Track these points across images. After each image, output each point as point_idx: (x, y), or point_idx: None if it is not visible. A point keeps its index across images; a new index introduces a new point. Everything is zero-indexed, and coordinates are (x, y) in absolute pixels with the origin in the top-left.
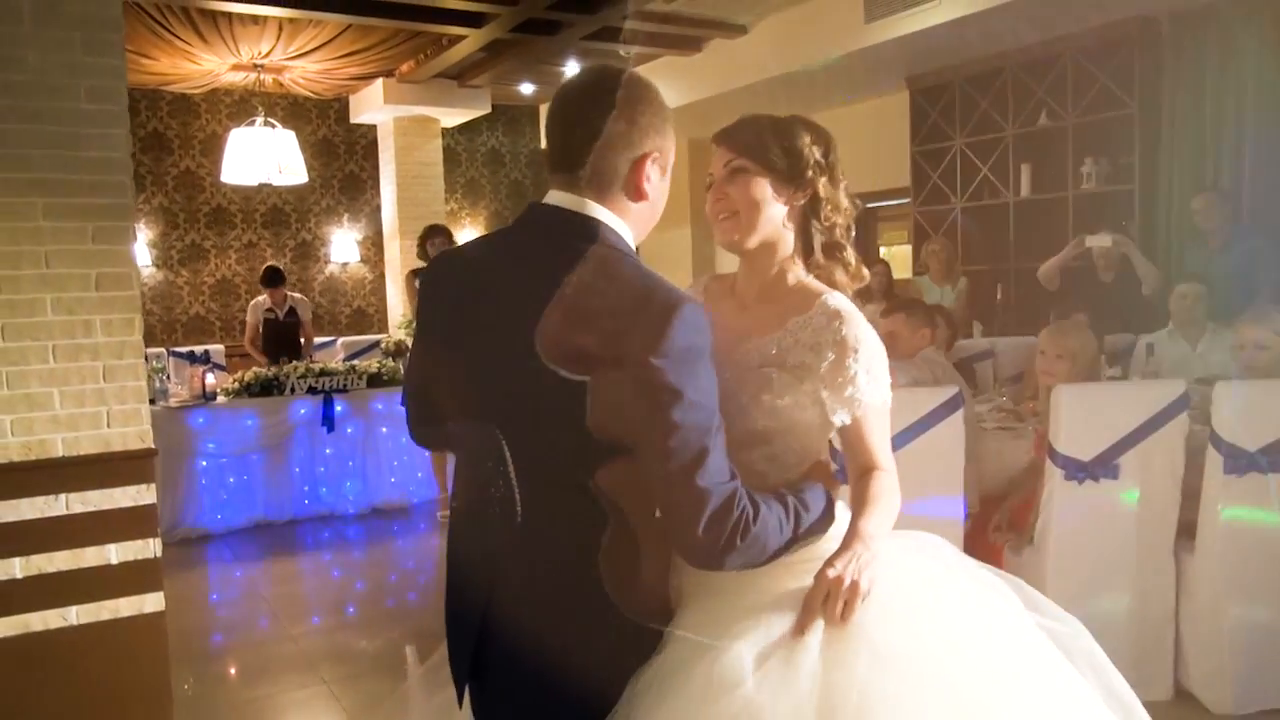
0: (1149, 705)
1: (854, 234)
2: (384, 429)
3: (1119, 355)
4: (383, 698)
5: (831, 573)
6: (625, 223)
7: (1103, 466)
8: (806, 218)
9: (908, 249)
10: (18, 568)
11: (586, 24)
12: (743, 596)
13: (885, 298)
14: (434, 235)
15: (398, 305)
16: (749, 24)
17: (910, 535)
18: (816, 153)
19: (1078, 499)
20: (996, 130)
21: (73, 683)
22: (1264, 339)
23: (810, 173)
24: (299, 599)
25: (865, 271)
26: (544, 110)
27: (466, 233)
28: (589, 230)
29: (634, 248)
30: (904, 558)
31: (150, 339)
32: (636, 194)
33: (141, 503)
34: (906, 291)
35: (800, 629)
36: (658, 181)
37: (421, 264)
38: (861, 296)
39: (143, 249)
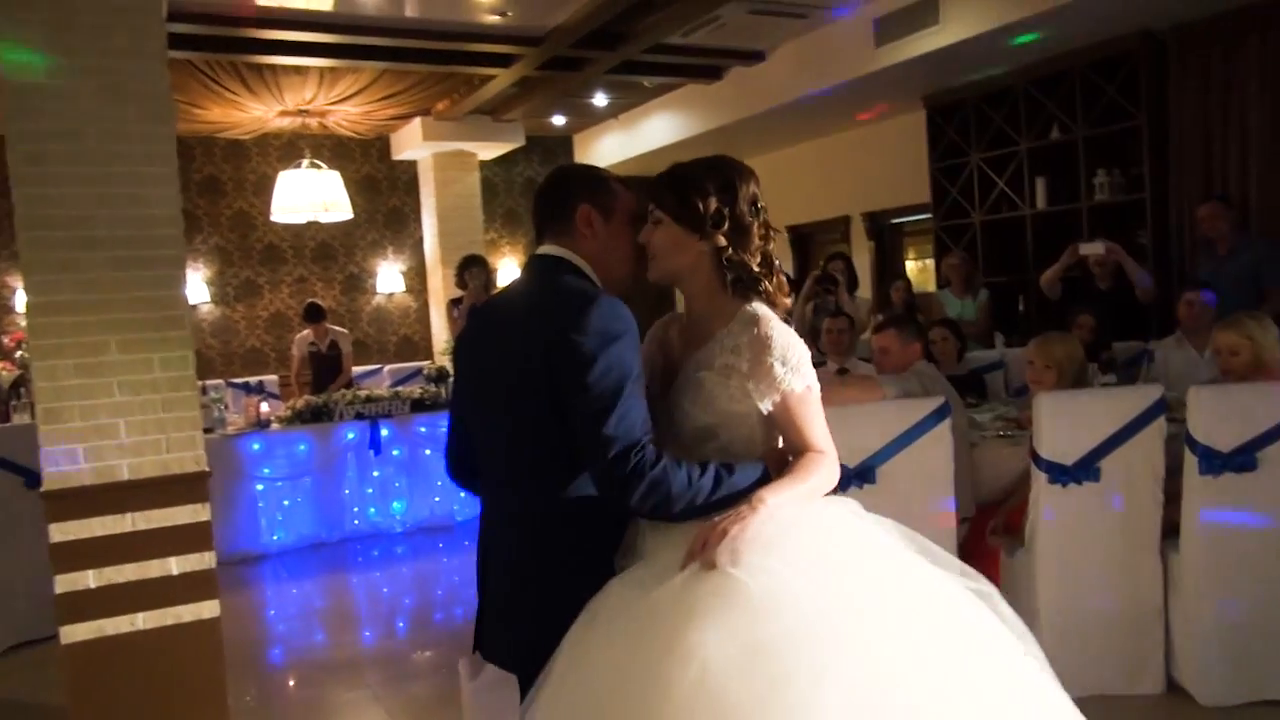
0: (1141, 698)
1: (774, 263)
2: (428, 451)
3: (1127, 363)
4: (430, 707)
5: (711, 523)
6: (581, 257)
7: (1084, 470)
8: (718, 257)
9: (929, 263)
10: (91, 579)
11: (608, 59)
12: (678, 551)
13: (906, 313)
14: (471, 265)
15: (441, 332)
16: (767, 51)
17: (842, 502)
18: (716, 205)
19: (1063, 501)
20: (1011, 145)
21: (141, 680)
22: (1236, 344)
23: (709, 225)
24: (350, 614)
25: (786, 300)
26: (577, 139)
27: (506, 261)
28: (556, 263)
29: (594, 277)
30: (831, 521)
31: (209, 371)
32: (584, 234)
33: (198, 520)
34: (928, 305)
35: (681, 567)
36: (600, 225)
37: (460, 292)
38: (882, 311)
39: (201, 286)
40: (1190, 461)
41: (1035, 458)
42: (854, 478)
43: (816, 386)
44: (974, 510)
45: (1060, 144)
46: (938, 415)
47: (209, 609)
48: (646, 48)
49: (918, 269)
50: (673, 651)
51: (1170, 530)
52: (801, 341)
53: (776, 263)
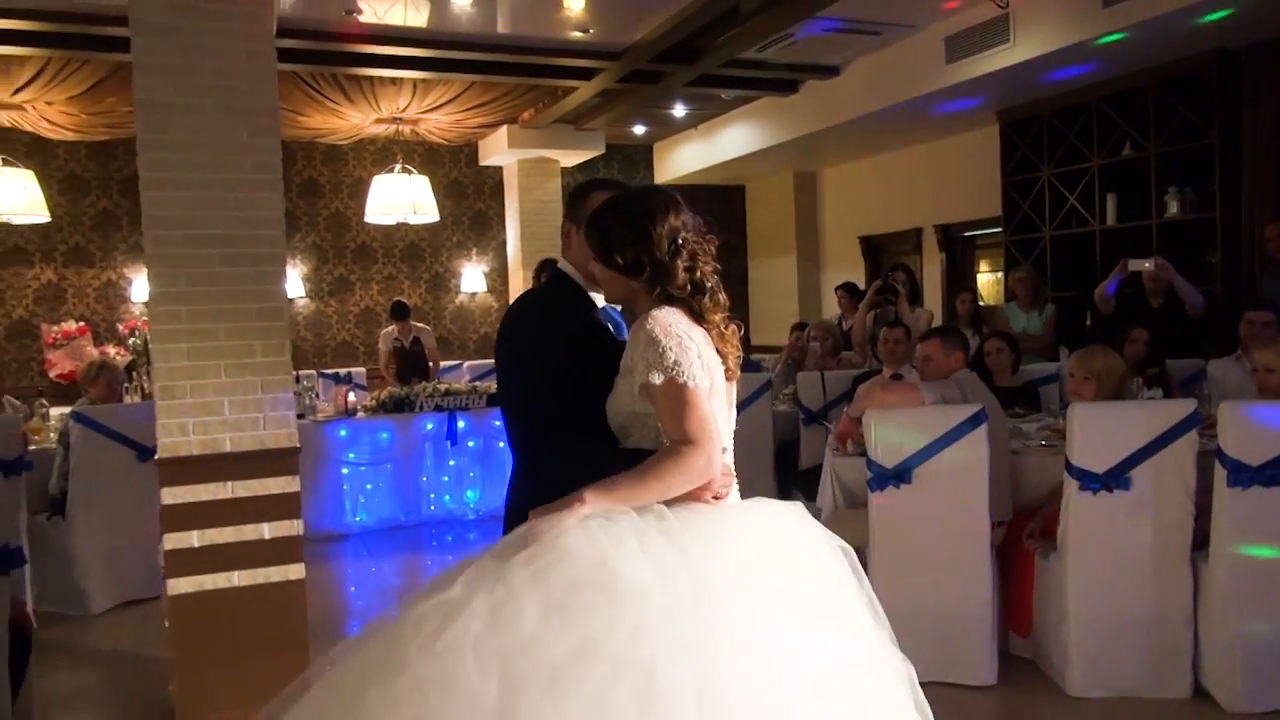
0: (1168, 702)
1: (705, 284)
2: (501, 443)
3: (1184, 381)
4: None
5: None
6: (570, 264)
7: (1115, 479)
8: (650, 288)
9: (1000, 276)
10: (195, 539)
11: (686, 73)
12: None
13: (971, 324)
14: (547, 268)
15: None
16: (840, 66)
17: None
18: (631, 255)
19: (1094, 508)
20: (1083, 161)
21: (234, 630)
22: (1273, 362)
23: (627, 273)
24: None
25: (717, 316)
26: (657, 148)
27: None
28: (549, 265)
29: (579, 279)
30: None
31: (302, 362)
32: (566, 244)
33: (288, 490)
34: (993, 318)
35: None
36: (575, 237)
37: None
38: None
39: (297, 282)
40: (1220, 475)
41: (1067, 465)
42: (891, 478)
43: (689, 383)
44: (1012, 514)
45: (1132, 161)
46: (973, 421)
47: (295, 571)
48: (722, 63)
49: (990, 282)
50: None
51: (1202, 541)
52: (684, 339)
53: (708, 284)
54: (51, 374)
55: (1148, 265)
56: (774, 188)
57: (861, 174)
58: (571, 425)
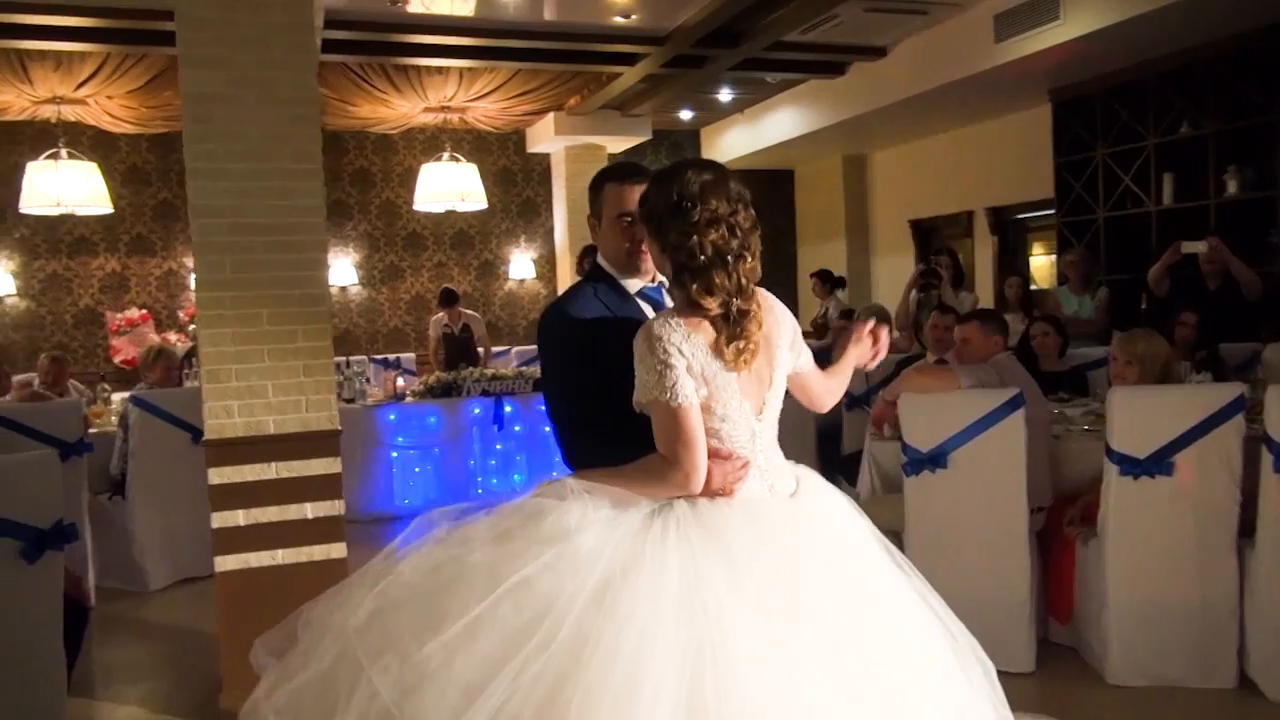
0: (1212, 692)
1: (708, 268)
2: (547, 428)
3: (1239, 365)
4: None
5: None
6: (598, 246)
7: (1156, 464)
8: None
9: (1053, 259)
10: (241, 518)
11: (730, 57)
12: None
13: (1021, 308)
14: (590, 253)
15: None
16: (887, 47)
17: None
18: (655, 210)
19: (1135, 494)
20: (1138, 140)
21: (278, 608)
22: None
23: (649, 229)
24: None
25: (709, 301)
26: (704, 133)
27: None
28: (589, 251)
29: (603, 265)
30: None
31: (355, 347)
32: (593, 229)
33: (330, 472)
34: (1044, 302)
35: None
36: (596, 224)
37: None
38: (999, 307)
39: (350, 270)
40: (1267, 460)
41: (1107, 450)
42: (926, 462)
43: (672, 402)
44: (1052, 499)
45: (1189, 139)
46: (1010, 405)
47: (337, 550)
48: (767, 45)
49: (1043, 265)
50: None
51: (1249, 528)
52: (672, 355)
53: (728, 255)
54: (116, 360)
55: (1201, 247)
56: (823, 172)
57: (911, 156)
58: (592, 426)
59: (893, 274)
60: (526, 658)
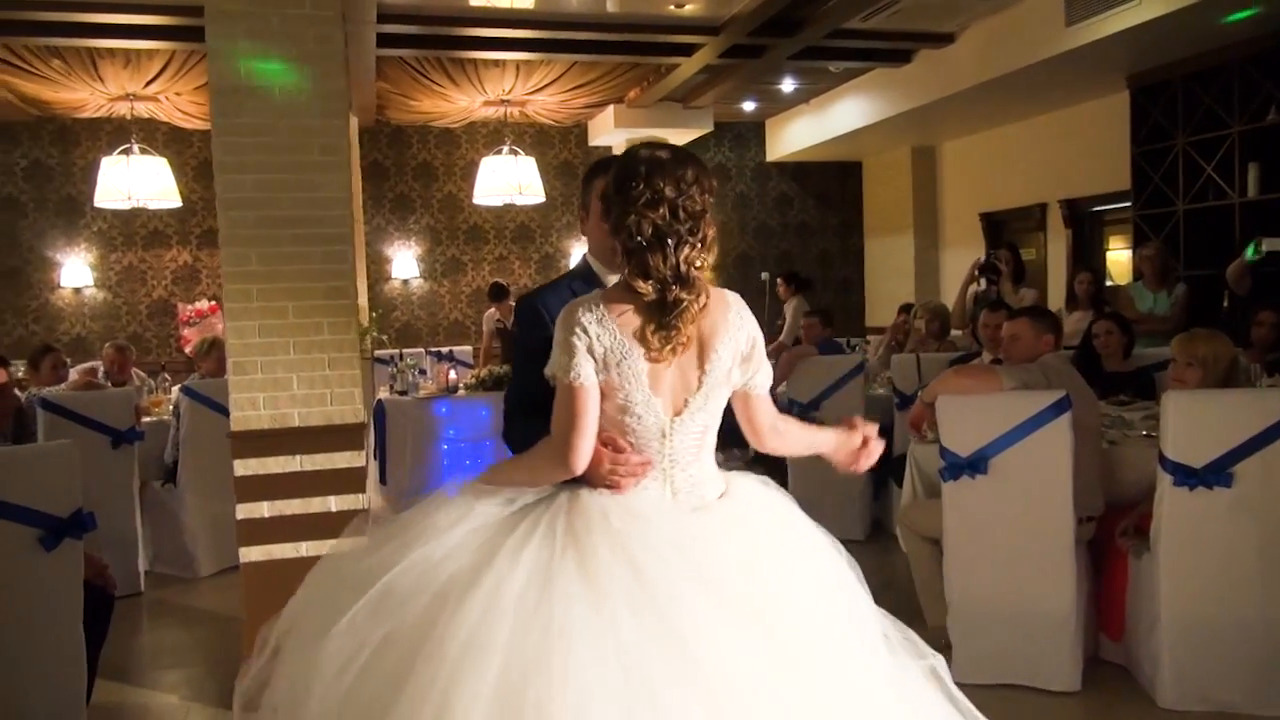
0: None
1: (640, 254)
2: None
3: None
4: None
5: None
6: (587, 241)
7: (1214, 474)
8: None
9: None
10: (266, 509)
11: (789, 46)
12: None
13: (1091, 305)
14: None
15: None
16: (955, 33)
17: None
18: (605, 189)
19: (1190, 505)
20: (1221, 128)
21: None
22: None
23: (600, 209)
24: None
25: (644, 285)
26: (769, 125)
27: None
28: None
29: (589, 261)
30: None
31: (416, 340)
32: (582, 228)
33: (354, 465)
34: (1116, 298)
35: None
36: (584, 222)
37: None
38: (1067, 304)
39: (412, 263)
40: None
41: (1161, 458)
42: (965, 467)
43: (568, 380)
44: (1103, 509)
45: (1276, 126)
46: (1056, 409)
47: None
48: (827, 34)
49: (1121, 260)
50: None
51: None
52: (578, 333)
53: (645, 253)
54: (186, 350)
55: None
56: (891, 163)
57: (982, 147)
58: (525, 409)
59: (960, 268)
60: (366, 663)
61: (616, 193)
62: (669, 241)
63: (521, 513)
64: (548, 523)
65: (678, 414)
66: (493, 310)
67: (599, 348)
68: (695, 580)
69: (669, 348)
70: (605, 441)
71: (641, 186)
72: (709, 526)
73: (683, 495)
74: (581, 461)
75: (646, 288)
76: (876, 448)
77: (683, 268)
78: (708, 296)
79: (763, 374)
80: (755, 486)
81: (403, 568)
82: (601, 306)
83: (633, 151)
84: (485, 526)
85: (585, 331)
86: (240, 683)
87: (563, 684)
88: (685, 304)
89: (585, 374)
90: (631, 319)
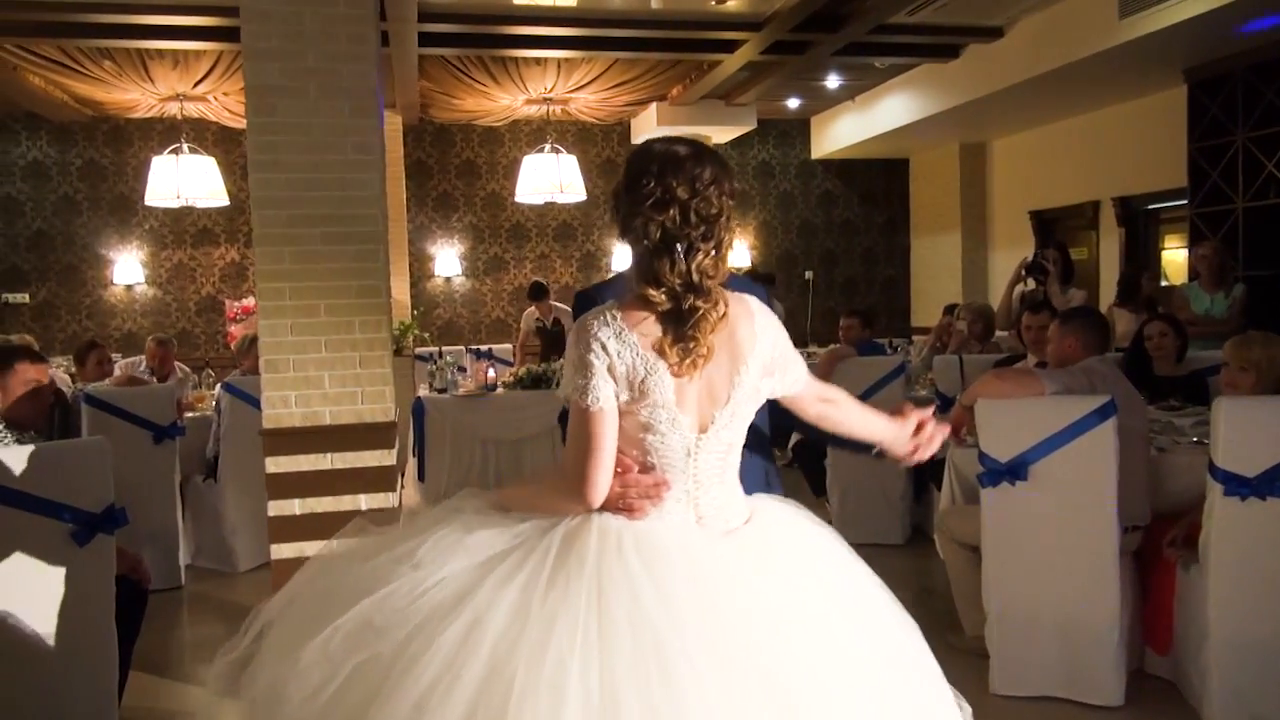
0: None
1: (651, 265)
2: None
3: None
4: None
5: None
6: None
7: (1269, 484)
8: None
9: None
10: (297, 507)
11: (833, 41)
12: None
13: (1145, 307)
14: None
15: None
16: (1004, 27)
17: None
18: (617, 184)
19: (1243, 516)
20: None
21: None
22: None
23: (611, 206)
24: None
25: (657, 296)
26: (814, 121)
27: (735, 243)
28: None
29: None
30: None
31: (458, 338)
32: None
33: (385, 464)
34: (1170, 299)
35: None
36: None
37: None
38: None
39: (454, 261)
40: None
41: (1211, 467)
42: (1005, 474)
43: (580, 402)
44: (1149, 518)
45: None
46: (1100, 414)
47: None
48: (871, 29)
49: (1177, 260)
50: None
51: None
52: (595, 353)
53: (652, 259)
54: (232, 346)
55: None
56: (939, 160)
57: (1033, 143)
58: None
59: (1009, 268)
60: (340, 687)
61: (626, 190)
62: (678, 247)
63: (524, 543)
64: (540, 554)
65: (703, 431)
66: (532, 309)
67: (620, 365)
68: (707, 637)
69: (689, 360)
70: (622, 464)
71: (653, 184)
72: (732, 564)
73: (708, 520)
74: (599, 493)
75: (659, 296)
76: (938, 433)
77: (694, 275)
78: (726, 305)
79: (793, 371)
80: (782, 514)
81: (388, 591)
82: (619, 319)
83: (648, 145)
84: (479, 554)
85: (604, 349)
86: (224, 656)
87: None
88: (702, 312)
89: (604, 396)
90: (652, 329)
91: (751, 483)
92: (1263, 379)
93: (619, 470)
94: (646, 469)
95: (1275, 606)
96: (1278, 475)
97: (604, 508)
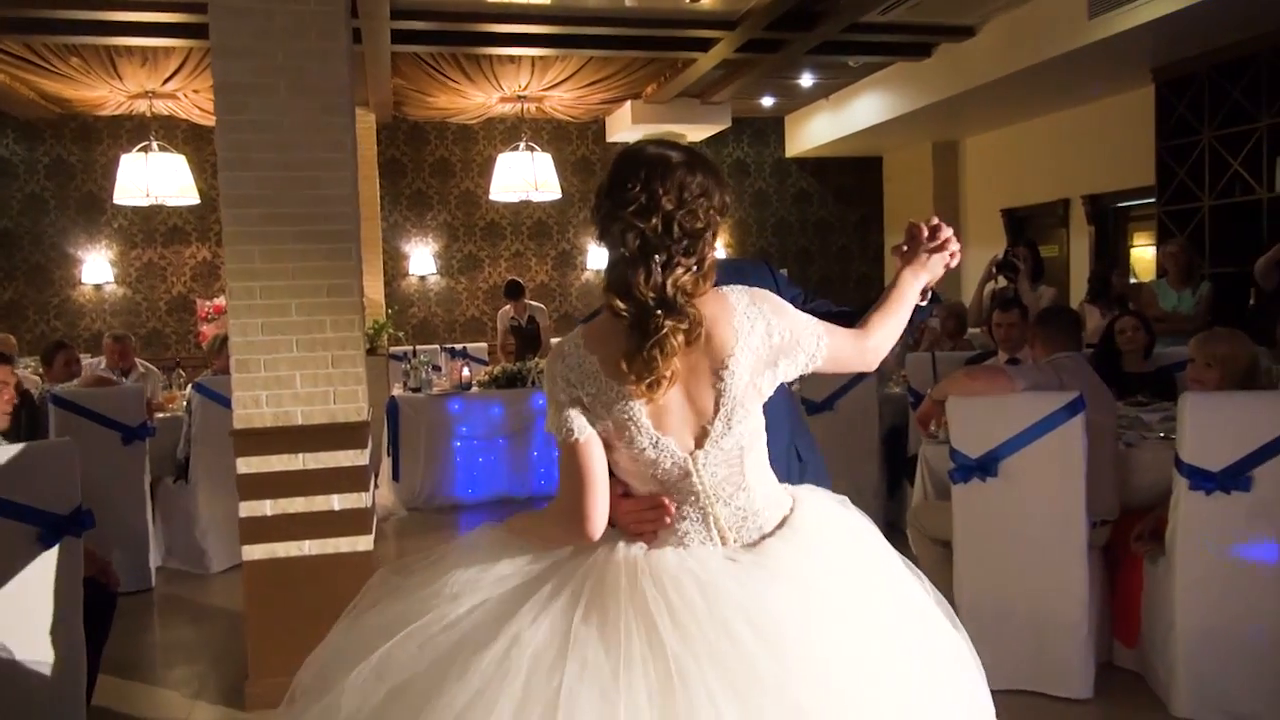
0: None
1: (621, 275)
2: None
3: None
4: None
5: None
6: None
7: (1233, 478)
8: None
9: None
10: (268, 508)
11: (807, 39)
12: None
13: (1116, 304)
14: None
15: None
16: (975, 26)
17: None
18: (599, 186)
19: (1207, 510)
20: (1249, 121)
21: (305, 598)
22: None
23: (592, 208)
24: None
25: (617, 302)
26: (788, 120)
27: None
28: None
29: None
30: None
31: (433, 336)
32: None
33: (358, 464)
34: (1139, 296)
35: None
36: None
37: None
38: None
39: (429, 259)
40: None
41: (1177, 461)
42: (975, 469)
43: (565, 438)
44: (1118, 512)
45: None
46: (1069, 410)
47: (364, 543)
48: (845, 27)
49: (1146, 257)
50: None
51: None
52: (565, 385)
53: (627, 268)
54: (204, 346)
55: None
56: (912, 159)
57: (1004, 142)
58: None
59: (981, 265)
60: (385, 700)
61: (609, 191)
62: (655, 258)
63: (551, 568)
64: (576, 583)
65: (698, 447)
66: (508, 308)
67: (585, 396)
68: (721, 668)
69: (646, 382)
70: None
71: (638, 189)
72: (750, 589)
73: (734, 532)
74: (598, 524)
75: (625, 309)
76: (949, 237)
77: (669, 290)
78: (701, 326)
79: (806, 348)
80: (821, 514)
81: (424, 623)
82: (581, 347)
83: (640, 146)
84: (507, 590)
85: (569, 382)
86: None
87: None
88: (667, 331)
89: (578, 427)
90: (615, 352)
91: (776, 471)
92: (1227, 375)
93: (629, 496)
94: (658, 495)
95: (1239, 599)
96: (1241, 470)
97: (622, 534)
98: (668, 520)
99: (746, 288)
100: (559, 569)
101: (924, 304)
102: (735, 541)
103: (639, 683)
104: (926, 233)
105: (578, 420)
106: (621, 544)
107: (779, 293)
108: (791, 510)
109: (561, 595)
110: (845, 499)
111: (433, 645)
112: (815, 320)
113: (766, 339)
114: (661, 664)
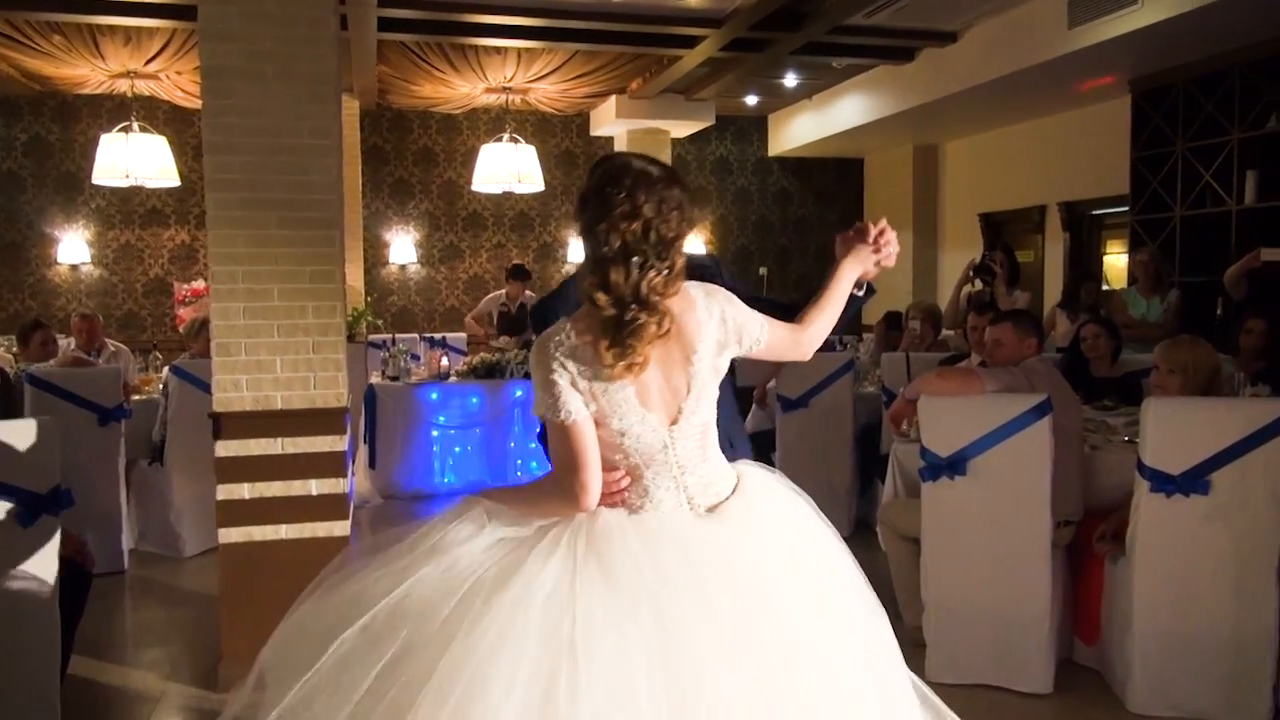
0: None
1: (602, 271)
2: None
3: None
4: None
5: None
6: None
7: (1192, 482)
8: None
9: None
10: (246, 491)
11: (792, 40)
12: None
13: (1089, 311)
14: None
15: None
16: (958, 32)
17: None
18: (583, 191)
19: (1167, 513)
20: (1221, 134)
21: (281, 582)
22: None
23: (575, 211)
24: None
25: (599, 295)
26: (771, 119)
27: (692, 238)
28: None
29: None
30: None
31: (412, 325)
32: None
33: (336, 449)
34: (1110, 303)
35: None
36: None
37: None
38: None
39: (410, 248)
40: None
41: (1139, 464)
42: (945, 468)
43: (556, 419)
44: (1082, 513)
45: (1276, 134)
46: (1037, 412)
47: (340, 528)
48: (831, 28)
49: (1119, 264)
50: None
51: None
52: (555, 371)
53: (608, 270)
54: (181, 329)
55: None
56: (893, 161)
57: (983, 147)
58: None
59: (958, 269)
60: (383, 669)
61: (594, 196)
62: (634, 260)
63: (543, 529)
64: (569, 539)
65: (674, 423)
66: (501, 292)
67: (581, 381)
68: (702, 612)
69: (623, 364)
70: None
71: (622, 196)
72: (719, 543)
73: (699, 498)
74: (593, 498)
75: (605, 302)
76: (889, 233)
77: (643, 289)
78: (672, 320)
79: (750, 332)
80: (764, 482)
81: (417, 578)
82: (573, 335)
83: (623, 158)
84: (508, 541)
85: (564, 366)
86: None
87: (588, 673)
88: (642, 324)
89: (575, 409)
90: (599, 339)
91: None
92: (1190, 381)
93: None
94: (630, 468)
95: (1196, 600)
96: (1200, 474)
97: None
98: (625, 485)
99: (701, 284)
100: (546, 531)
101: (859, 294)
102: (700, 505)
103: (646, 617)
104: (873, 235)
105: (575, 402)
106: (604, 509)
107: (730, 288)
108: (739, 479)
109: (558, 549)
110: (777, 470)
111: (446, 586)
112: (759, 314)
113: (722, 325)
114: (654, 603)
